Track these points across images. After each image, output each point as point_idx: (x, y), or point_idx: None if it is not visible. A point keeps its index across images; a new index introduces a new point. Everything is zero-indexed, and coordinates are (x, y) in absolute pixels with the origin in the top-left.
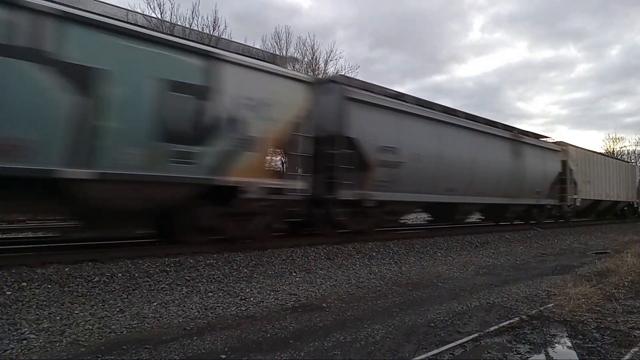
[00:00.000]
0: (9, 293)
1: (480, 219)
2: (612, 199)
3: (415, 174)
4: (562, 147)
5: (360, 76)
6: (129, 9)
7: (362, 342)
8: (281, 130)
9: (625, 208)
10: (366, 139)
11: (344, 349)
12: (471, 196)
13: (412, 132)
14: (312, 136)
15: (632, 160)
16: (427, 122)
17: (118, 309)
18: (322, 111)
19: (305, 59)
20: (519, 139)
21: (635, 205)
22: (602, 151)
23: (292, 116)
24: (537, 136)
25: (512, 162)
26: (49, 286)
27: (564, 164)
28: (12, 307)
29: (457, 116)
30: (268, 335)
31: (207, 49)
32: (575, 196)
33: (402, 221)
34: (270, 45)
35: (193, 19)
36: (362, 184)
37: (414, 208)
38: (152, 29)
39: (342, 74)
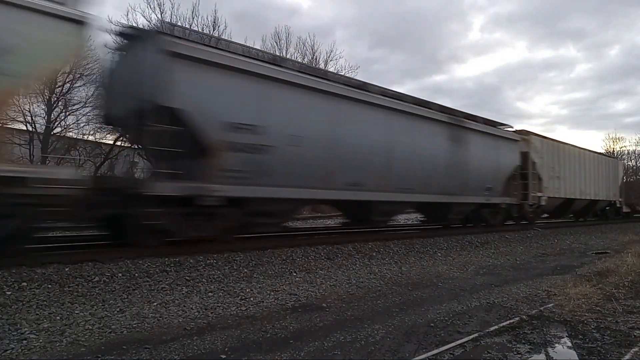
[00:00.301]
0: (9, 293)
1: (420, 220)
2: (589, 198)
3: (295, 163)
4: (522, 137)
5: (360, 76)
6: (129, 9)
7: (362, 342)
8: (17, 90)
9: (607, 208)
10: (204, 111)
11: (344, 349)
12: (390, 193)
13: (289, 107)
14: (96, 103)
15: (633, 160)
16: (315, 95)
17: (118, 309)
18: (133, 71)
19: (306, 59)
20: (461, 124)
21: (618, 205)
22: (602, 151)
23: (46, 70)
24: (490, 122)
25: (451, 151)
26: (49, 286)
27: (525, 156)
28: (12, 307)
29: (366, 91)
30: (268, 335)
31: None
32: (539, 194)
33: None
34: (270, 45)
35: (193, 19)
36: (199, 174)
37: (302, 207)
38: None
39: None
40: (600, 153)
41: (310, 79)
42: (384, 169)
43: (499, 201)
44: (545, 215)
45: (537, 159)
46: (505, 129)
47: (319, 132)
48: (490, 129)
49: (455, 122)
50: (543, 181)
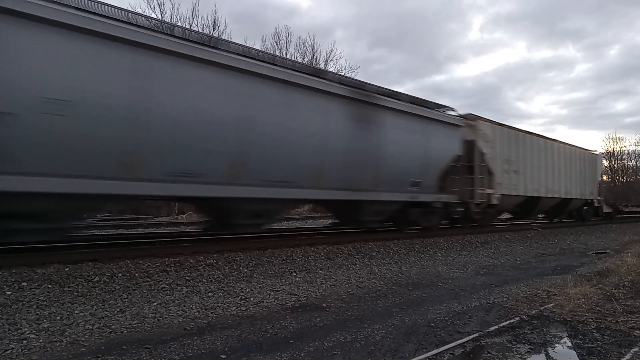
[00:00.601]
0: (9, 293)
1: (334, 222)
2: (559, 196)
3: (59, 141)
4: (468, 122)
5: (359, 76)
6: (129, 9)
7: (362, 342)
8: None
9: (585, 208)
10: None
11: (344, 349)
12: (251, 187)
13: (42, 57)
14: None
15: (633, 161)
16: (98, 43)
17: (118, 309)
18: None
19: (306, 59)
20: (370, 100)
21: (597, 205)
22: (602, 151)
23: None
24: (419, 102)
25: (355, 134)
26: (49, 286)
27: (471, 145)
28: (12, 307)
29: (213, 47)
30: (268, 335)
31: None
32: (489, 191)
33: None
34: (270, 45)
35: (193, 19)
36: None
37: (95, 205)
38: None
39: None
40: (574, 145)
41: (87, 19)
42: (239, 154)
43: (431, 199)
44: (509, 216)
45: (487, 149)
46: (446, 111)
47: (109, 97)
48: (418, 109)
49: (362, 97)
50: (495, 176)
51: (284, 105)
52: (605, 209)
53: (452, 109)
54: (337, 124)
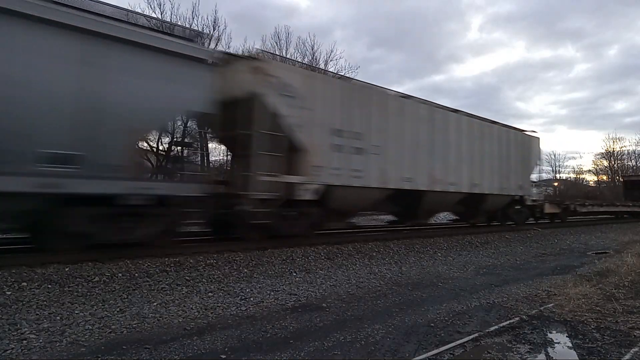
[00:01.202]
0: (9, 293)
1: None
2: (458, 191)
3: None
4: (250, 63)
5: (359, 76)
6: (129, 9)
7: (362, 342)
8: None
9: (518, 207)
10: None
11: (344, 348)
12: None
13: None
14: None
15: (633, 161)
16: None
17: (118, 309)
18: None
19: (306, 59)
20: None
21: (531, 203)
22: (602, 151)
23: None
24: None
25: None
26: (49, 286)
27: (250, 102)
28: (12, 307)
29: None
30: (268, 335)
31: None
32: (292, 179)
33: None
34: (270, 45)
35: (193, 19)
36: None
37: None
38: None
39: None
40: (492, 121)
41: None
42: None
43: (113, 190)
44: (391, 219)
45: (291, 109)
46: (184, 40)
47: None
48: (61, 14)
49: None
50: (310, 154)
51: None
52: (549, 209)
53: (202, 34)
54: None
